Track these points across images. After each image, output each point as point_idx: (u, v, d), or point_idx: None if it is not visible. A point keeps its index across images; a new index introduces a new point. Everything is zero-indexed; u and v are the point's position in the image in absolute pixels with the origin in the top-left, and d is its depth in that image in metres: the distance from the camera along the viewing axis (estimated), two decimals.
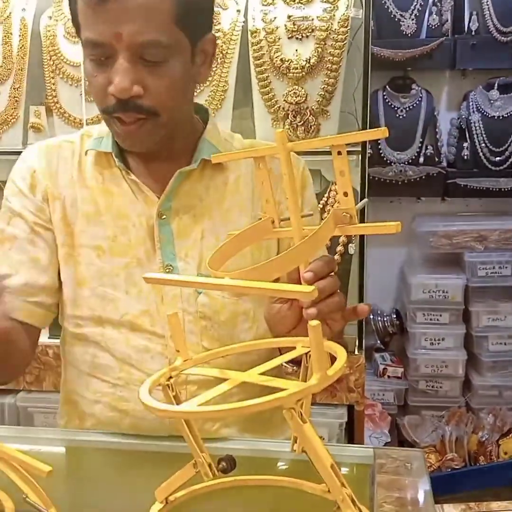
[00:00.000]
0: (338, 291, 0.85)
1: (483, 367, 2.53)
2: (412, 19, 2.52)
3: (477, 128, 2.55)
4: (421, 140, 2.57)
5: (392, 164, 2.56)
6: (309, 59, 1.82)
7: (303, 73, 1.82)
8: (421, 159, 2.57)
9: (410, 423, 2.47)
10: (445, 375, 2.55)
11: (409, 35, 2.54)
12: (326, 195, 1.82)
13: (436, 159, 2.58)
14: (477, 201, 2.65)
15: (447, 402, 2.56)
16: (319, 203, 1.80)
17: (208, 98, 1.90)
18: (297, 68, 1.82)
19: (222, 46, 1.89)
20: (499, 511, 1.77)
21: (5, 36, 2.04)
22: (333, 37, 1.80)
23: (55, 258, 1.11)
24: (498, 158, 2.54)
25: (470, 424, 2.43)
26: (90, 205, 1.09)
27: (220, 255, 0.74)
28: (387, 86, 2.59)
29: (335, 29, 1.80)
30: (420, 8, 2.51)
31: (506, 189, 2.52)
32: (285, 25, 1.83)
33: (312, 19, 1.81)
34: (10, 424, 1.96)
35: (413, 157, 2.57)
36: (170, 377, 0.77)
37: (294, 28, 1.82)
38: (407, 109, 2.59)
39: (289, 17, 1.83)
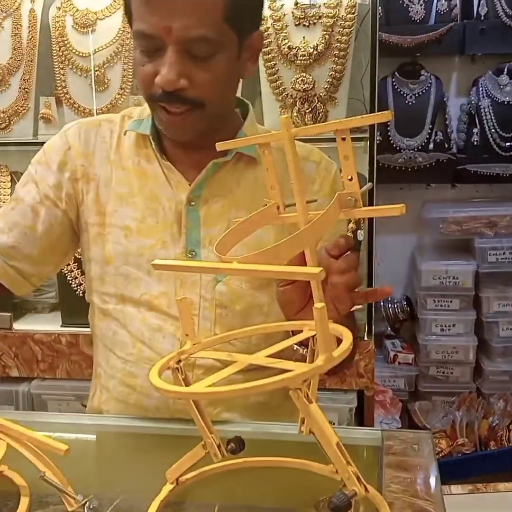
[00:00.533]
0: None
1: (494, 353, 2.54)
2: (421, 5, 2.51)
3: (487, 113, 2.54)
4: (430, 126, 2.56)
5: (402, 150, 2.56)
6: (317, 46, 1.82)
7: (311, 60, 1.83)
8: (431, 146, 2.56)
9: (421, 408, 2.48)
10: (455, 361, 2.55)
11: (418, 21, 2.53)
12: None
13: (446, 145, 2.58)
14: (487, 187, 2.64)
15: (457, 388, 2.56)
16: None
17: None
18: (304, 55, 1.82)
19: None
20: (506, 492, 1.78)
21: (14, 27, 2.06)
22: (341, 23, 1.81)
23: (52, 234, 1.13)
24: (508, 144, 2.52)
25: (481, 409, 2.44)
26: (124, 186, 1.11)
27: (227, 241, 0.75)
28: (396, 73, 2.58)
29: (342, 15, 1.80)
30: None
31: None
32: (293, 13, 1.84)
33: (319, 6, 1.82)
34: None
35: (423, 144, 2.56)
36: (179, 361, 0.79)
37: (301, 15, 1.83)
38: (416, 95, 2.58)
39: (296, 4, 1.83)
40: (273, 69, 1.86)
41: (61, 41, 2.02)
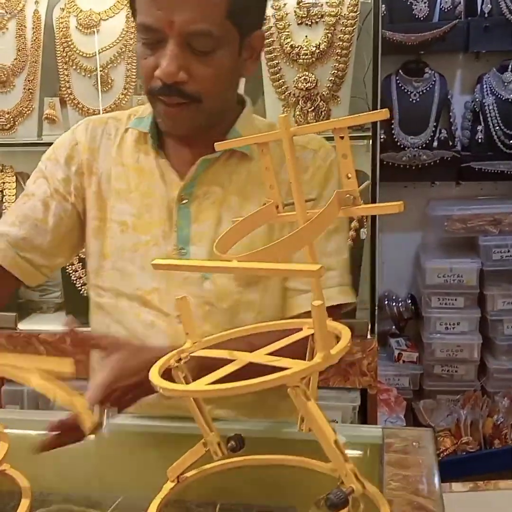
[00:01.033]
0: None
1: (498, 351, 2.53)
2: (425, 2, 2.51)
3: (491, 111, 2.53)
4: (435, 124, 2.56)
5: (406, 148, 2.55)
6: (319, 45, 1.82)
7: (313, 59, 1.83)
8: (435, 143, 2.56)
9: (425, 407, 2.48)
10: (460, 359, 2.55)
11: (422, 18, 2.52)
12: None
13: (450, 143, 2.57)
14: (492, 184, 2.63)
15: (462, 386, 2.56)
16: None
17: None
18: (307, 54, 1.82)
19: None
20: (506, 490, 1.78)
21: (18, 29, 2.07)
22: (343, 22, 1.81)
23: (62, 227, 1.15)
24: None
25: (485, 407, 2.43)
26: (123, 182, 1.13)
27: (226, 240, 0.75)
28: (400, 71, 2.58)
29: (345, 14, 1.80)
30: None
31: None
32: (295, 11, 1.84)
33: (322, 5, 1.82)
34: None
35: (427, 141, 2.55)
36: (180, 359, 0.79)
37: (304, 14, 1.83)
38: (421, 93, 2.58)
39: (298, 3, 1.83)
40: (276, 68, 1.87)
41: (65, 42, 2.03)
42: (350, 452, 0.70)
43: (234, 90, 1.11)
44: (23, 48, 2.07)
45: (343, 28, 1.81)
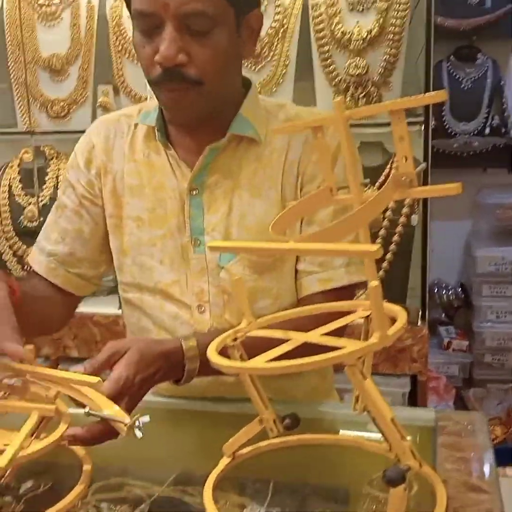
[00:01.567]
0: None
1: None
2: None
3: None
4: (487, 110, 2.52)
5: (457, 135, 2.52)
6: (371, 31, 1.81)
7: (365, 44, 1.82)
8: (487, 130, 2.52)
9: (475, 395, 2.45)
10: (511, 348, 2.52)
11: (474, 3, 2.48)
12: (388, 167, 1.82)
13: (503, 130, 2.53)
14: None
15: None
16: (380, 176, 1.81)
17: (269, 73, 1.92)
18: (358, 40, 1.81)
19: (283, 20, 1.90)
20: None
21: (73, 18, 2.11)
22: (395, 7, 1.79)
23: (98, 232, 1.17)
24: None
25: None
26: (135, 178, 1.14)
27: (282, 221, 0.77)
28: (451, 56, 2.55)
29: None
30: None
31: None
32: None
33: None
34: None
35: (479, 128, 2.52)
36: (235, 338, 0.81)
37: (355, 0, 1.82)
38: (473, 79, 2.54)
39: None
40: (326, 54, 1.86)
41: (118, 31, 2.06)
42: None
43: (237, 74, 1.10)
44: (77, 37, 2.11)
45: (395, 13, 1.79)
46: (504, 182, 2.62)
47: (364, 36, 1.81)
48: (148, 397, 1.12)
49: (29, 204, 2.07)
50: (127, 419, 0.76)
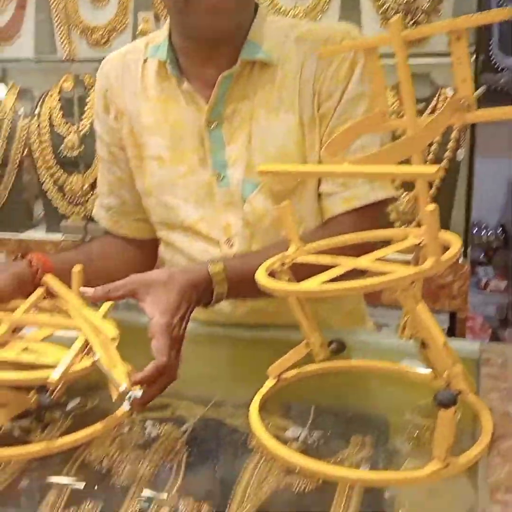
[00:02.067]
0: None
1: None
2: None
3: None
4: None
5: (504, 70, 2.44)
6: None
7: None
8: None
9: (511, 335, 2.45)
10: None
11: None
12: (434, 99, 1.77)
13: None
14: None
15: None
16: (426, 108, 1.76)
17: (314, 1, 1.86)
18: None
19: None
20: None
21: None
22: None
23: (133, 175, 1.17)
24: None
25: None
26: (151, 116, 1.11)
27: (335, 143, 0.75)
28: None
29: None
30: None
31: None
32: None
33: None
34: None
35: None
36: (283, 264, 0.81)
37: None
38: None
39: None
40: None
41: None
42: None
43: None
44: None
45: None
46: None
47: None
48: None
49: (69, 133, 2.06)
50: (122, 386, 0.75)
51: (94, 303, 0.92)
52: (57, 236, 2.10)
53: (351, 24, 1.10)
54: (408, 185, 1.71)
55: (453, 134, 1.68)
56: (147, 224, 1.21)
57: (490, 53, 2.44)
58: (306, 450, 0.76)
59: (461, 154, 1.67)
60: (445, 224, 1.74)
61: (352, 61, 1.04)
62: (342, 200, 1.05)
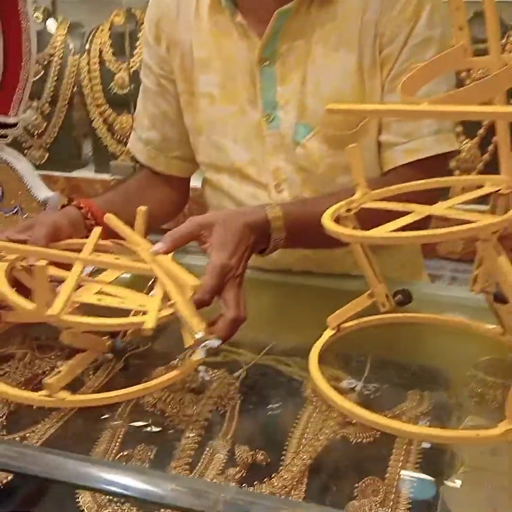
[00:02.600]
0: None
1: None
2: None
3: None
4: None
5: None
6: None
7: None
8: None
9: None
10: None
11: None
12: (503, 41, 1.70)
13: None
14: None
15: None
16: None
17: None
18: None
19: None
20: None
21: None
22: None
23: (180, 109, 1.13)
24: None
25: None
26: (203, 49, 1.07)
27: (412, 81, 0.70)
28: None
29: None
30: None
31: None
32: None
33: None
34: None
35: None
36: (349, 210, 0.77)
37: None
38: None
39: None
40: None
41: None
42: None
43: None
44: None
45: None
46: None
47: None
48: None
49: (120, 70, 2.02)
50: (198, 334, 0.73)
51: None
52: (106, 176, 2.08)
53: None
54: (470, 131, 1.64)
55: None
56: (185, 163, 1.18)
57: None
58: (363, 402, 0.75)
59: None
60: None
61: (418, 2, 0.98)
62: (405, 152, 1.00)
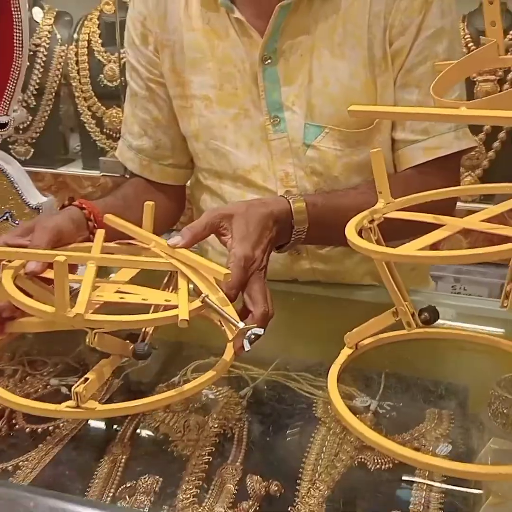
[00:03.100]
0: None
1: None
2: None
3: None
4: None
5: None
6: None
7: None
8: None
9: None
10: None
11: None
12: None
13: None
14: None
15: None
16: (505, 39, 1.62)
17: None
18: None
19: None
20: None
21: None
22: None
23: (173, 114, 1.07)
24: None
25: None
26: (196, 50, 1.00)
27: (443, 82, 0.64)
28: None
29: None
30: None
31: None
32: None
33: None
34: None
35: None
36: (372, 220, 0.71)
37: None
38: None
39: None
40: None
41: None
42: None
43: None
44: None
45: None
46: None
47: None
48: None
49: (110, 61, 1.95)
50: (241, 324, 0.70)
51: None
52: (95, 172, 2.02)
53: None
54: (474, 128, 1.61)
55: None
56: (180, 170, 1.12)
57: None
58: (379, 422, 0.72)
59: None
60: None
61: None
62: (424, 150, 0.96)
